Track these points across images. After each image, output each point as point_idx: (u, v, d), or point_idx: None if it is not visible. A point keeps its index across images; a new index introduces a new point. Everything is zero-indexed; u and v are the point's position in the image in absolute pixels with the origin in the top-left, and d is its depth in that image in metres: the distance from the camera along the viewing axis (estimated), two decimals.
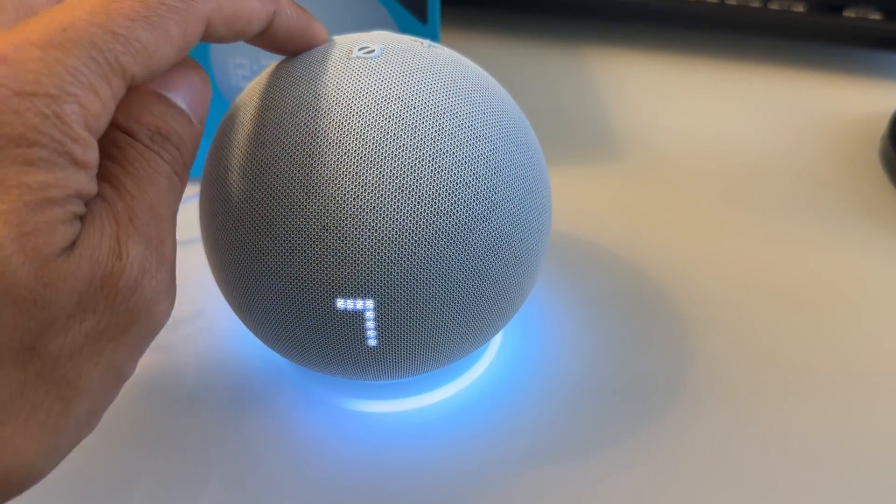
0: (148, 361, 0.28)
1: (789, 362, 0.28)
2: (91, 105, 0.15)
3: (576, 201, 0.34)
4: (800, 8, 0.43)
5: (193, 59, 0.19)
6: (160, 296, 0.17)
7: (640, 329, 0.29)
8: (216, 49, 0.31)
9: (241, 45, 0.31)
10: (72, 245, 0.15)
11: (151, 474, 0.24)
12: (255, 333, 0.24)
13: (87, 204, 0.16)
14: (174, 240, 0.18)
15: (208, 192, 0.23)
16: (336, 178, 0.20)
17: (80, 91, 0.15)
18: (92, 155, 0.16)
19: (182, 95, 0.19)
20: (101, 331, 0.16)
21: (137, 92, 0.18)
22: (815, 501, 0.23)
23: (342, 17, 0.31)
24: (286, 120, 0.21)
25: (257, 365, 0.28)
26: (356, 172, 0.20)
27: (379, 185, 0.20)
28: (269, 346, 0.24)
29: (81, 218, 0.16)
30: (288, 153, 0.21)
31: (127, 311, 0.16)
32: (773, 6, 0.44)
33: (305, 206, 0.20)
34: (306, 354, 0.23)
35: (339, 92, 0.21)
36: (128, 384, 0.18)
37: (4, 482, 0.15)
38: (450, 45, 0.25)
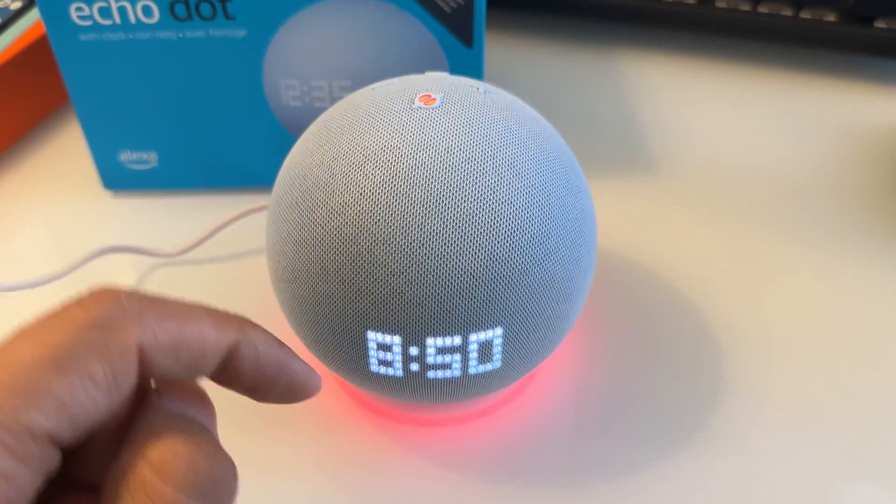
0: None
1: (828, 392, 0.29)
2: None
3: (610, 212, 0.35)
4: (831, 18, 0.44)
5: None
6: None
7: (675, 355, 0.30)
8: (269, 70, 0.32)
9: (293, 64, 0.32)
10: None
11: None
12: (326, 366, 0.26)
13: None
14: None
15: (277, 244, 0.24)
16: (403, 227, 0.22)
17: None
18: None
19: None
20: None
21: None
22: None
23: (391, 44, 0.32)
24: (354, 170, 0.22)
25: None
26: (422, 223, 0.22)
27: (443, 233, 0.22)
28: (334, 373, 0.26)
29: None
30: (357, 201, 0.22)
31: None
32: (805, 15, 0.44)
33: (373, 251, 0.22)
34: (369, 383, 0.24)
35: (405, 143, 0.22)
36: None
37: None
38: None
